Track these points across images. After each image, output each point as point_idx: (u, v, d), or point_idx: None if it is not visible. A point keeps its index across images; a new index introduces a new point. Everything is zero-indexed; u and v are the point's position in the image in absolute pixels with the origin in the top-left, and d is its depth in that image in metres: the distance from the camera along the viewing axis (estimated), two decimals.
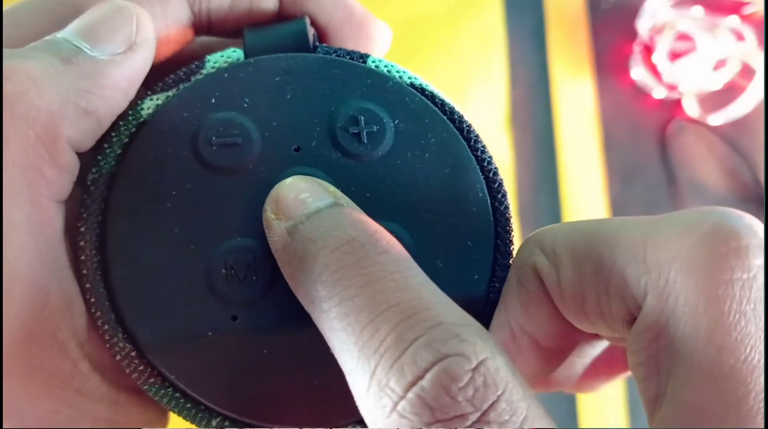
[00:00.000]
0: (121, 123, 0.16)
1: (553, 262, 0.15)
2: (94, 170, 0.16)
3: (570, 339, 0.16)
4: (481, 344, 0.12)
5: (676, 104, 0.52)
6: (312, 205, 0.14)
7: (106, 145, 0.16)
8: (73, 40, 0.15)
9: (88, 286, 0.15)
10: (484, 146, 0.17)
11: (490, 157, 0.17)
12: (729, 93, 0.51)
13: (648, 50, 0.51)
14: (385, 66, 0.17)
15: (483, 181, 0.16)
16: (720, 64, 0.51)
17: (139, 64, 0.15)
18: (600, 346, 0.19)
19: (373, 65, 0.17)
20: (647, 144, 0.51)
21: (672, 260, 0.13)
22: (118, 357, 0.15)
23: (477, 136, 0.17)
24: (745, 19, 0.52)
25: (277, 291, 0.15)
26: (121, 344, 0.15)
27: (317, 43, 0.17)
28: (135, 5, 0.15)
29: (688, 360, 0.12)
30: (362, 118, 0.16)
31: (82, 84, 0.14)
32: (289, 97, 0.16)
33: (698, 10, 0.52)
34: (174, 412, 0.16)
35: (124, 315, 0.15)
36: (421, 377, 0.11)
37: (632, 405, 0.46)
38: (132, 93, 0.16)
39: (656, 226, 0.14)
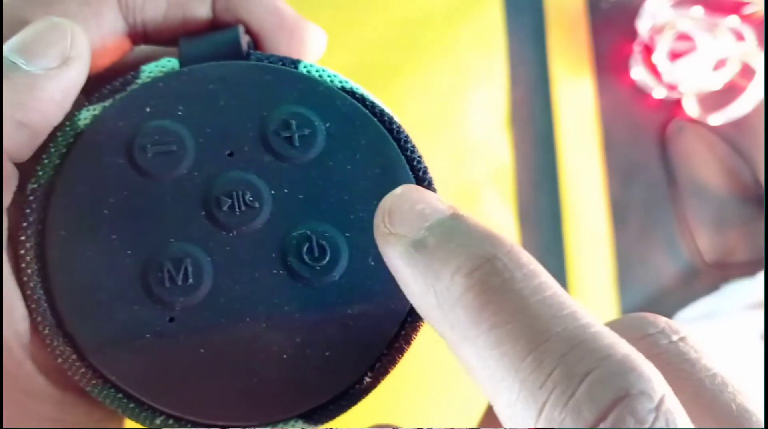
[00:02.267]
0: (58, 134, 0.16)
1: None
2: (32, 181, 0.16)
3: None
4: (657, 379, 0.11)
5: (676, 104, 0.52)
6: (432, 216, 0.13)
7: (44, 156, 0.16)
8: (9, 56, 0.15)
9: (28, 292, 0.15)
10: (413, 146, 0.17)
11: (419, 156, 0.17)
12: (729, 93, 0.51)
13: (648, 50, 0.51)
14: (317, 71, 0.17)
15: (413, 180, 0.17)
16: (720, 64, 0.51)
17: (74, 78, 0.16)
18: None
19: (304, 70, 0.17)
20: (647, 144, 0.51)
21: None
22: (59, 360, 0.15)
23: (407, 136, 0.17)
24: (745, 19, 0.52)
25: (213, 292, 0.16)
26: (61, 348, 0.15)
27: (251, 51, 0.18)
28: (70, 21, 0.16)
29: None
30: (294, 122, 0.16)
31: (17, 98, 0.15)
32: (222, 103, 0.17)
33: (698, 10, 0.52)
34: (118, 412, 0.16)
35: (63, 319, 0.15)
36: (602, 418, 0.10)
37: None
38: (67, 105, 0.16)
39: None
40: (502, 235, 0.13)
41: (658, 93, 0.51)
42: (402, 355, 0.16)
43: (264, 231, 0.16)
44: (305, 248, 0.16)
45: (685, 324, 0.46)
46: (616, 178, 0.50)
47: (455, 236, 0.13)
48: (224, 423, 0.16)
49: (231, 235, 0.16)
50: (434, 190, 0.17)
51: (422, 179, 0.17)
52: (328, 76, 0.17)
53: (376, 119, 0.17)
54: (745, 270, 0.49)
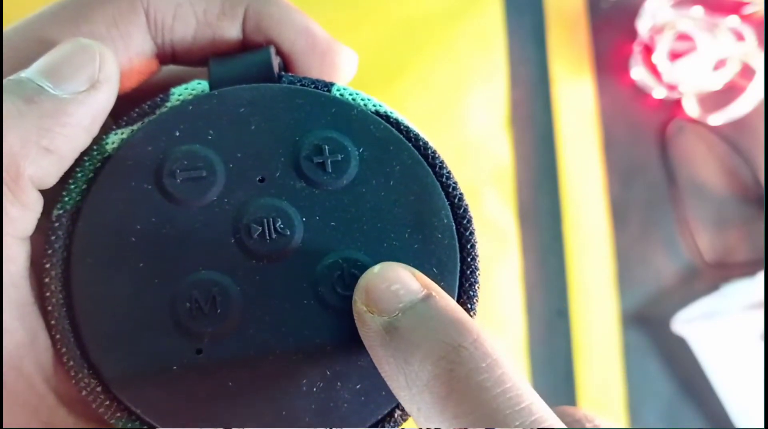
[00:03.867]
0: (85, 158, 0.16)
1: None
2: (58, 206, 0.16)
3: None
4: None
5: (676, 104, 0.52)
6: (405, 297, 0.14)
7: (70, 181, 0.16)
8: (36, 80, 0.15)
9: (53, 322, 0.15)
10: (449, 172, 0.17)
11: (455, 182, 0.17)
12: (729, 93, 0.51)
13: (648, 50, 0.51)
14: (350, 94, 0.17)
15: (448, 207, 0.16)
16: (720, 64, 0.51)
17: (102, 102, 0.15)
18: None
19: (337, 94, 0.17)
20: (647, 144, 0.51)
21: None
22: (83, 392, 0.15)
23: (442, 162, 0.17)
24: (745, 19, 0.52)
25: (242, 323, 0.15)
26: (86, 380, 0.15)
27: (282, 73, 0.17)
28: (98, 43, 0.16)
29: None
30: (326, 147, 0.16)
31: (43, 123, 0.14)
32: (253, 127, 0.16)
33: (698, 10, 0.52)
34: None
35: (88, 350, 0.15)
36: None
37: (632, 405, 0.46)
38: (95, 130, 0.16)
39: None
40: (469, 321, 0.14)
41: (658, 93, 0.51)
42: None
43: (295, 260, 0.16)
44: (336, 278, 0.15)
45: (687, 323, 0.46)
46: (616, 178, 0.50)
47: (425, 321, 0.13)
48: None
49: (261, 263, 0.16)
50: (470, 218, 0.16)
51: (458, 206, 0.16)
52: (362, 100, 0.17)
53: (410, 144, 0.17)
54: (745, 270, 0.49)
